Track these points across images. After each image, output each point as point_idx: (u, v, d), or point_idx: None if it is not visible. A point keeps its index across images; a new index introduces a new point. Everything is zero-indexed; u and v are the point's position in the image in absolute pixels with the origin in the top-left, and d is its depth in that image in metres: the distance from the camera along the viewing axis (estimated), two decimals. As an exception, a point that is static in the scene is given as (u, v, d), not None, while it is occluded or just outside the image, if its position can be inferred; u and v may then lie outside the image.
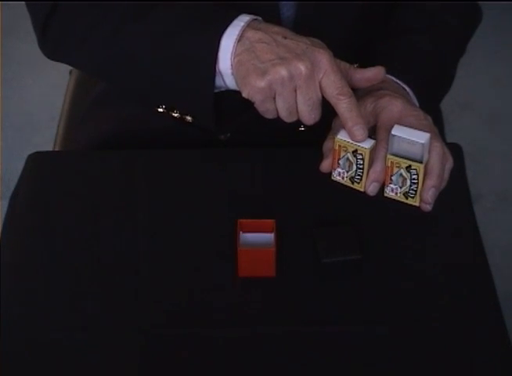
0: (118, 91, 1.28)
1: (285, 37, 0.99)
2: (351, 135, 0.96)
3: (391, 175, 0.97)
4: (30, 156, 1.17)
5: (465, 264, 1.04)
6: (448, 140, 1.28)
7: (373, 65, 1.10)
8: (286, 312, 0.98)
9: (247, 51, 0.99)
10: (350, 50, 1.20)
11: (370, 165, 0.97)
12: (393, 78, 1.08)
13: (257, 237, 1.00)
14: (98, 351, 0.95)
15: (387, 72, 1.08)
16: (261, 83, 0.97)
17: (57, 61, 1.18)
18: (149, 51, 1.06)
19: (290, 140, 1.16)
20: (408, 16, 1.18)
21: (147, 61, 1.07)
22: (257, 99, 0.99)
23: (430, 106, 1.11)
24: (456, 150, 1.16)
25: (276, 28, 1.01)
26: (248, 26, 1.00)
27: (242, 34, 1.00)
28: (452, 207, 1.09)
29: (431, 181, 0.97)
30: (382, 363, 0.94)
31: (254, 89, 0.98)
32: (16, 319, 0.98)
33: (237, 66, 1.00)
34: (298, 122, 1.21)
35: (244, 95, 1.00)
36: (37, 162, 1.16)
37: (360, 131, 0.96)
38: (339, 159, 0.98)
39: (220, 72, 1.02)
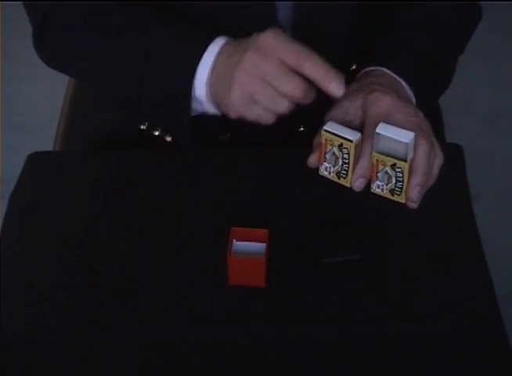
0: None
1: (245, 50, 0.99)
2: (330, 92, 0.94)
3: (377, 172, 0.97)
4: (30, 156, 1.17)
5: (465, 264, 1.04)
6: (448, 140, 1.28)
7: (370, 60, 1.10)
8: (287, 312, 0.98)
9: (217, 78, 1.00)
10: (348, 49, 1.20)
11: (357, 160, 0.97)
12: (389, 72, 1.08)
13: (250, 246, 1.00)
14: (98, 351, 0.95)
15: (384, 66, 1.08)
16: (232, 95, 0.97)
17: (53, 69, 1.20)
18: (130, 68, 1.07)
19: (290, 140, 1.16)
20: (406, 12, 1.18)
21: (130, 80, 1.08)
22: (242, 110, 0.98)
23: (428, 102, 1.11)
24: (456, 150, 1.16)
25: (243, 45, 1.00)
26: (220, 53, 1.00)
27: (215, 62, 1.00)
28: (452, 207, 1.09)
29: (416, 179, 0.96)
30: (382, 363, 0.94)
31: (231, 106, 0.98)
32: (16, 319, 0.98)
33: (213, 95, 1.01)
34: (298, 122, 1.21)
35: (233, 116, 1.00)
36: (37, 162, 1.16)
37: (337, 85, 0.93)
38: (325, 153, 0.98)
39: (196, 98, 1.03)
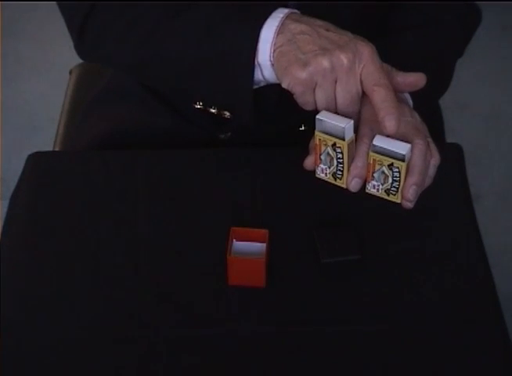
0: (119, 90, 1.28)
1: (327, 30, 0.98)
2: (382, 126, 0.95)
3: (373, 172, 0.96)
4: (30, 156, 1.17)
5: (465, 264, 1.04)
6: (448, 140, 1.28)
7: None
8: (287, 312, 0.98)
9: (289, 42, 0.98)
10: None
11: (351, 160, 0.97)
12: None
13: (250, 246, 1.00)
14: (98, 351, 0.95)
15: None
16: (303, 74, 0.96)
17: (94, 62, 1.18)
18: (187, 47, 1.05)
19: (291, 140, 1.16)
20: (405, 15, 1.18)
21: (186, 57, 1.06)
22: (297, 90, 0.97)
23: (425, 103, 1.11)
24: (456, 150, 1.16)
25: (319, 21, 1.00)
26: (288, 17, 0.99)
27: (283, 25, 0.99)
28: (452, 207, 1.09)
29: (413, 178, 0.96)
30: (382, 363, 0.94)
31: (295, 80, 0.97)
32: (16, 320, 0.98)
33: (278, 56, 0.99)
34: (299, 122, 1.21)
35: (284, 85, 0.98)
36: (37, 162, 1.16)
37: (392, 121, 0.94)
38: (320, 154, 0.98)
39: (259, 64, 1.01)
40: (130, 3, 1.08)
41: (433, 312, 0.98)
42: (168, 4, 1.06)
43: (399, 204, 0.97)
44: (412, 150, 0.96)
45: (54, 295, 1.00)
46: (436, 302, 0.99)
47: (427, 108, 1.05)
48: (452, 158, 1.15)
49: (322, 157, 0.98)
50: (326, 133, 0.96)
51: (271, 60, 0.99)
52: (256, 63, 1.00)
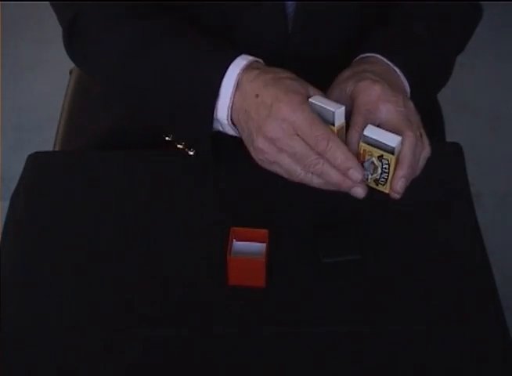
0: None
1: (257, 96, 0.99)
2: (349, 177, 0.96)
3: (363, 162, 0.97)
4: (30, 156, 1.17)
5: (465, 264, 1.04)
6: (448, 140, 1.28)
7: (365, 47, 1.09)
8: (287, 312, 0.98)
9: (240, 110, 1.01)
10: (349, 47, 1.19)
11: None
12: (383, 59, 1.07)
13: (250, 246, 1.00)
14: (98, 351, 0.95)
15: (378, 52, 1.07)
16: (253, 153, 1.01)
17: (83, 72, 1.20)
18: (154, 82, 1.07)
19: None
20: (406, 13, 1.18)
21: (151, 95, 1.09)
22: (265, 165, 1.01)
23: (423, 95, 1.10)
24: (456, 150, 1.16)
25: (255, 84, 1.00)
26: (245, 72, 1.01)
27: (239, 84, 1.00)
28: (452, 207, 1.09)
29: (402, 171, 0.96)
30: (382, 362, 0.94)
31: (253, 154, 1.01)
32: (16, 320, 0.98)
33: (237, 124, 1.02)
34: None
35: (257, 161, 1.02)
36: (37, 162, 1.16)
37: (355, 174, 0.95)
38: None
39: (217, 119, 1.03)
40: (108, 19, 1.10)
41: (433, 312, 0.98)
42: (140, 31, 1.08)
43: (387, 194, 0.98)
44: (402, 142, 0.96)
45: (54, 295, 1.00)
46: (436, 302, 0.99)
47: (424, 100, 1.05)
48: (452, 158, 1.15)
49: None
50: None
51: (227, 121, 1.02)
52: (215, 117, 1.03)
